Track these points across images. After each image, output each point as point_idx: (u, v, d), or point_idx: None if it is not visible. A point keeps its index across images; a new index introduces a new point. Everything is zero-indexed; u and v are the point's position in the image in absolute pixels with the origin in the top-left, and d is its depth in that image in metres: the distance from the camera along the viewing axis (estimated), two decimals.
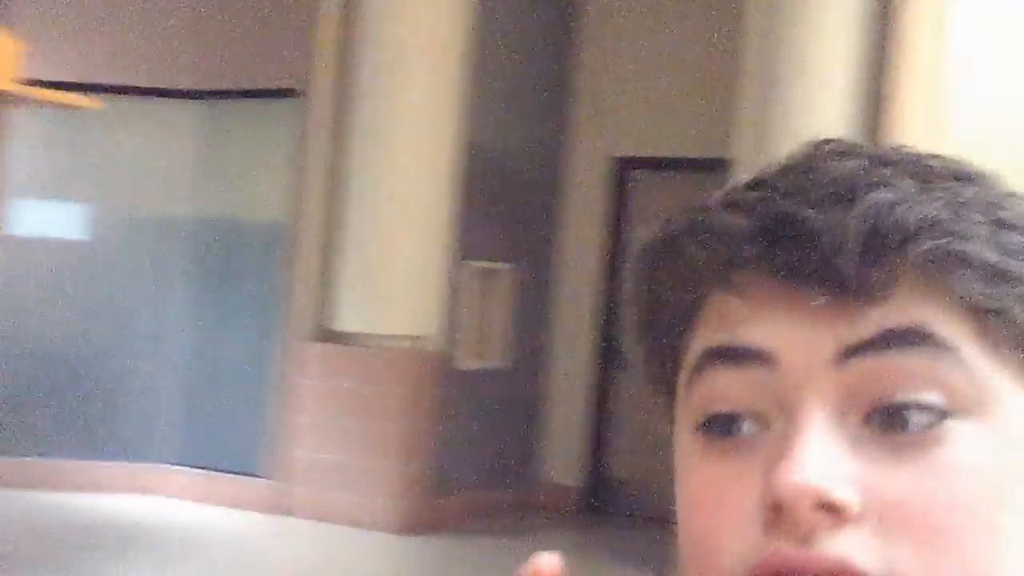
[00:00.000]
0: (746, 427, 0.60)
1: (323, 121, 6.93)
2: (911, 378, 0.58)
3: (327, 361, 6.82)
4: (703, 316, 0.63)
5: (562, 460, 7.89)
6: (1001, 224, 0.60)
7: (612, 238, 7.82)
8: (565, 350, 7.88)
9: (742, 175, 0.64)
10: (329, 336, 6.82)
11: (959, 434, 0.57)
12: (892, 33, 5.27)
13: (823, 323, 0.59)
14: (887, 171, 0.61)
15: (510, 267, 7.57)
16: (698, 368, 0.62)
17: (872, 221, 0.58)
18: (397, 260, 6.58)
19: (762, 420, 0.60)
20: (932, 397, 0.58)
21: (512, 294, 7.60)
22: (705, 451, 0.61)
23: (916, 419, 0.57)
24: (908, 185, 0.60)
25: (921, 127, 5.30)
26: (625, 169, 7.79)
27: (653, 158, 7.63)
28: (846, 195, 0.59)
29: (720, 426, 0.61)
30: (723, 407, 0.61)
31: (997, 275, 0.59)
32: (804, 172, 0.62)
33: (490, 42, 7.06)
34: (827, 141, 0.64)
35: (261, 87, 7.12)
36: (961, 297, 0.59)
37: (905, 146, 0.64)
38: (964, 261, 0.59)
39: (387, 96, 6.53)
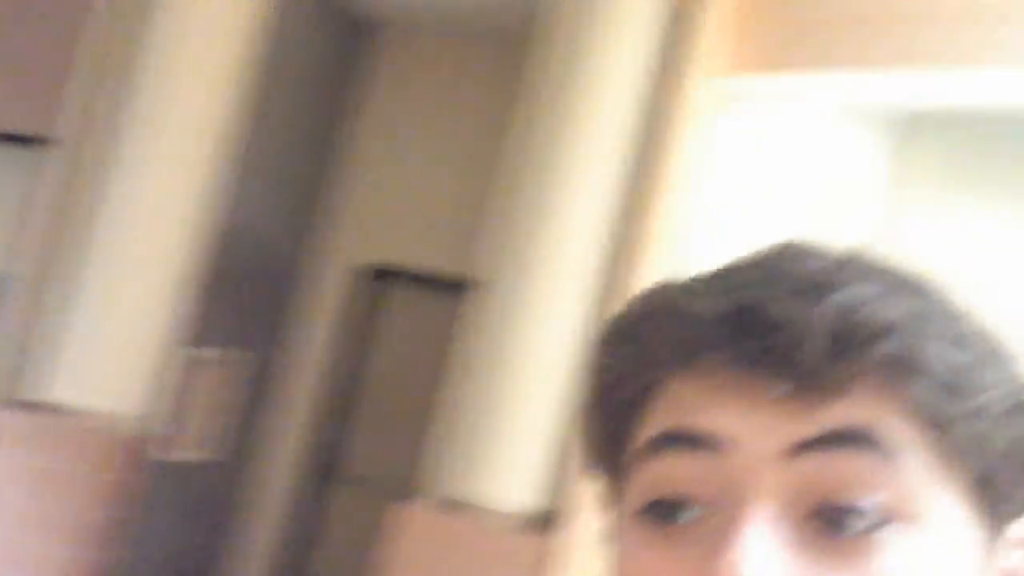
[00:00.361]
0: (690, 513, 0.60)
1: (59, 173, 6.54)
2: (855, 480, 0.58)
3: (12, 430, 6.29)
4: (659, 399, 0.63)
5: (255, 572, 7.43)
6: (956, 339, 0.61)
7: (349, 345, 7.54)
8: (275, 453, 7.49)
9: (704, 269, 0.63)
10: (22, 403, 6.31)
11: (895, 542, 0.58)
12: (641, 184, 5.28)
13: (778, 415, 0.59)
14: (852, 274, 0.62)
15: (244, 356, 7.20)
16: (649, 451, 0.62)
17: (838, 319, 0.59)
18: (111, 332, 6.16)
19: (707, 507, 0.60)
20: (873, 502, 0.58)
21: (242, 385, 7.21)
22: (647, 535, 0.61)
23: (856, 523, 0.58)
24: (874, 289, 0.61)
25: (667, 272, 5.28)
26: (376, 278, 7.60)
27: (406, 270, 7.47)
28: (813, 291, 0.60)
29: (665, 511, 0.61)
30: (670, 492, 0.61)
31: (949, 388, 0.59)
32: (772, 267, 0.63)
33: (262, 124, 6.84)
34: (792, 242, 0.66)
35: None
36: (913, 405, 0.59)
37: (866, 253, 0.65)
38: (920, 369, 0.59)
39: (132, 161, 6.19)
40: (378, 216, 7.53)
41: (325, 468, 7.47)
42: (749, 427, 0.59)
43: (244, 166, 6.65)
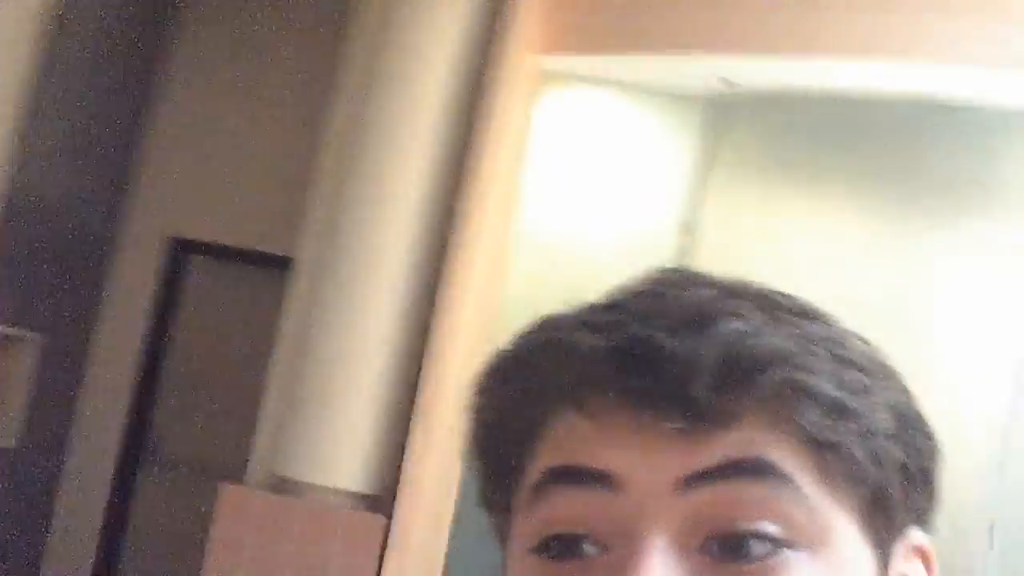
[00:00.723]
0: (586, 549, 0.60)
1: None
2: (750, 508, 0.59)
3: None
4: (548, 435, 0.63)
5: (68, 561, 7.22)
6: (842, 361, 0.62)
7: (158, 321, 7.36)
8: (89, 437, 7.28)
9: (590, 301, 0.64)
10: None
11: (794, 565, 0.58)
12: (469, 160, 5.33)
13: (669, 449, 0.60)
14: (737, 302, 0.62)
15: (36, 335, 6.91)
16: (540, 487, 0.62)
17: (725, 349, 0.59)
18: None
19: (602, 543, 0.60)
20: (770, 527, 0.59)
21: (33, 366, 6.93)
22: (540, 563, 0.61)
23: (754, 548, 0.58)
24: (758, 317, 0.61)
25: (487, 249, 5.39)
26: (183, 251, 7.40)
27: (214, 244, 7.29)
28: (699, 323, 0.60)
29: (559, 548, 0.60)
30: (563, 529, 0.60)
31: (837, 410, 0.60)
32: (657, 298, 0.63)
33: (59, 84, 6.53)
34: (675, 270, 0.66)
35: None
36: (803, 429, 0.60)
37: (751, 281, 0.66)
38: (808, 394, 0.60)
39: None
40: (187, 187, 7.32)
41: (142, 451, 7.31)
42: (641, 464, 0.60)
43: (34, 129, 6.33)
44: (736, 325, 0.60)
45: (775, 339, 0.61)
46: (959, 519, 4.41)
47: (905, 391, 0.66)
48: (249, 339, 6.96)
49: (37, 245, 6.78)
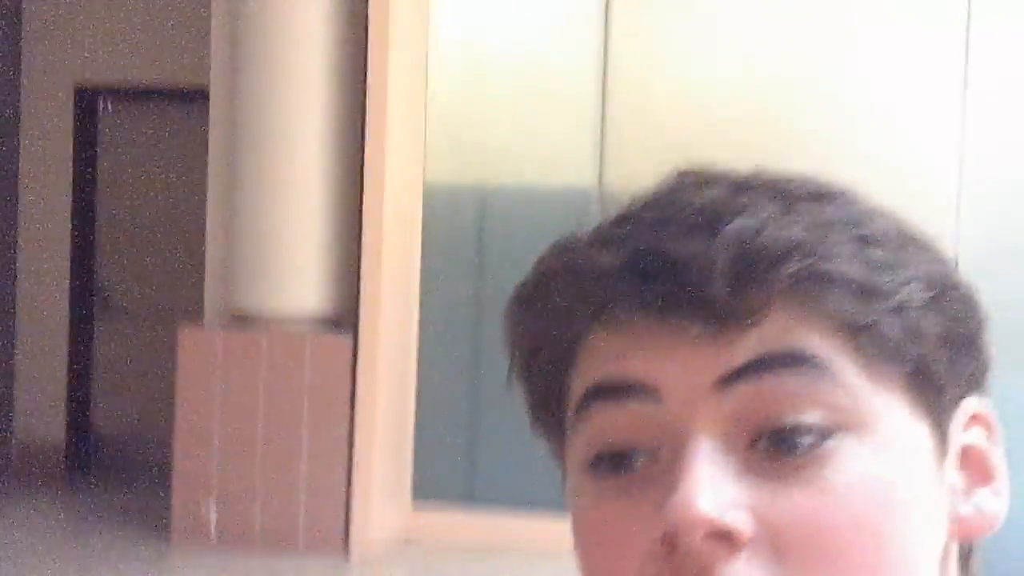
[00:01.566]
0: (636, 462, 0.60)
1: None
2: (791, 400, 0.59)
3: None
4: (582, 355, 0.63)
5: (39, 416, 7.26)
6: (865, 240, 0.61)
7: (80, 173, 7.22)
8: (36, 298, 7.23)
9: (608, 211, 0.63)
10: None
11: (843, 451, 0.59)
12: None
13: (701, 352, 0.60)
14: (748, 197, 0.61)
15: None
16: (582, 407, 0.63)
17: (738, 248, 0.59)
18: None
19: (651, 453, 0.60)
20: (813, 417, 0.59)
21: None
22: (597, 490, 0.62)
23: (800, 440, 0.58)
24: (771, 209, 0.61)
25: (406, 54, 5.29)
26: (92, 98, 7.20)
27: (122, 87, 7.09)
28: (710, 224, 0.60)
29: (610, 463, 0.61)
30: (611, 444, 0.61)
31: (865, 291, 0.60)
32: (668, 204, 0.63)
33: None
34: (688, 172, 0.65)
35: None
36: (832, 315, 0.60)
37: (765, 171, 0.65)
38: (831, 280, 0.60)
39: None
40: (80, 30, 7.06)
41: (93, 302, 7.27)
42: (674, 370, 0.60)
43: None
44: (747, 221, 0.60)
45: (789, 230, 0.60)
46: None
47: (939, 260, 0.65)
48: (176, 176, 6.86)
49: None
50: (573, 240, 0.64)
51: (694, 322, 0.59)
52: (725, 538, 0.57)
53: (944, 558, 0.64)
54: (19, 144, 7.19)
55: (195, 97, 6.08)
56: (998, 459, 0.67)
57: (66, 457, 7.23)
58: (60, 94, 7.13)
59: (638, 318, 0.61)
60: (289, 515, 5.23)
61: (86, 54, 7.07)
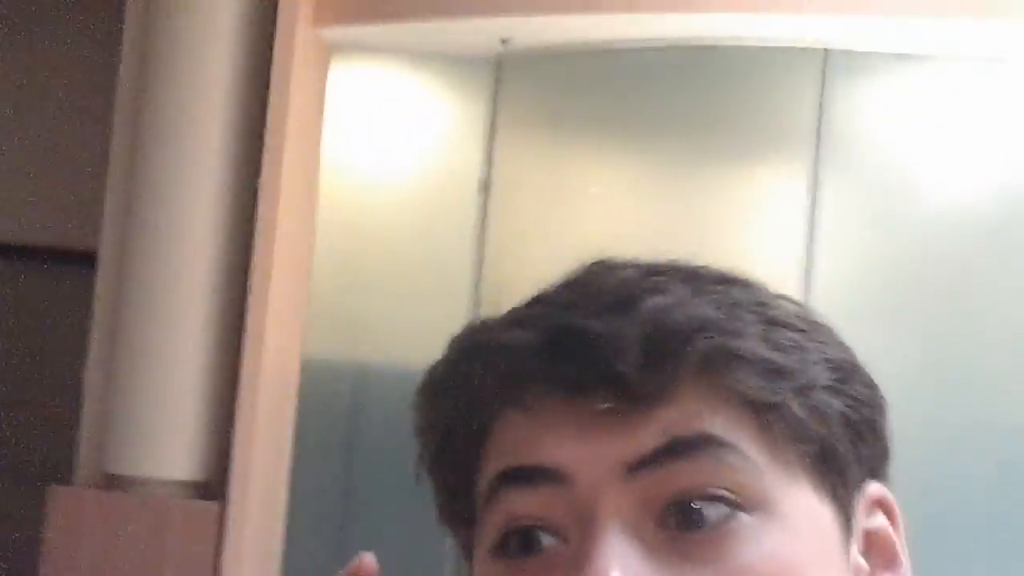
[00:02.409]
0: (544, 541, 0.60)
1: None
2: (700, 479, 0.59)
3: None
4: (493, 441, 0.63)
5: None
6: (772, 322, 0.63)
7: None
8: None
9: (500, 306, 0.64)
10: None
11: (748, 530, 0.59)
12: (265, 140, 5.37)
13: (609, 435, 0.60)
14: (660, 279, 0.63)
15: None
16: (491, 492, 0.62)
17: (651, 325, 0.60)
18: None
19: (560, 535, 0.60)
20: (720, 495, 0.59)
21: None
22: (503, 563, 0.61)
23: (710, 513, 0.59)
24: (681, 290, 0.62)
25: (293, 227, 5.46)
26: None
27: (6, 244, 7.16)
28: (624, 303, 0.61)
29: (518, 544, 0.61)
30: (519, 524, 0.61)
31: (771, 370, 0.61)
32: (581, 285, 0.65)
33: None
34: (599, 260, 0.67)
35: None
36: (740, 394, 0.60)
37: (675, 259, 0.68)
38: (739, 358, 0.60)
39: None
40: None
41: None
42: (583, 453, 0.60)
43: None
44: (659, 300, 0.61)
45: (699, 308, 0.61)
46: None
47: (840, 345, 0.66)
48: (58, 336, 6.90)
49: None
50: (484, 322, 0.65)
51: (600, 400, 0.60)
52: None
53: None
54: None
55: (81, 259, 6.18)
56: (900, 544, 0.67)
57: None
58: None
59: (548, 399, 0.61)
60: None
61: None
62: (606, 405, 0.60)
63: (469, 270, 5.54)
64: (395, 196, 5.73)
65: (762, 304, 0.64)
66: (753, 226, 5.20)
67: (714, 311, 0.62)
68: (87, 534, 5.28)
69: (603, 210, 5.44)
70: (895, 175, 5.10)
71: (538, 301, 0.65)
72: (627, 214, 5.40)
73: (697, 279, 0.65)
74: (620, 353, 0.60)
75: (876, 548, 0.66)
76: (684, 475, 0.60)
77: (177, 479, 5.34)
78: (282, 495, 5.44)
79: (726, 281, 0.66)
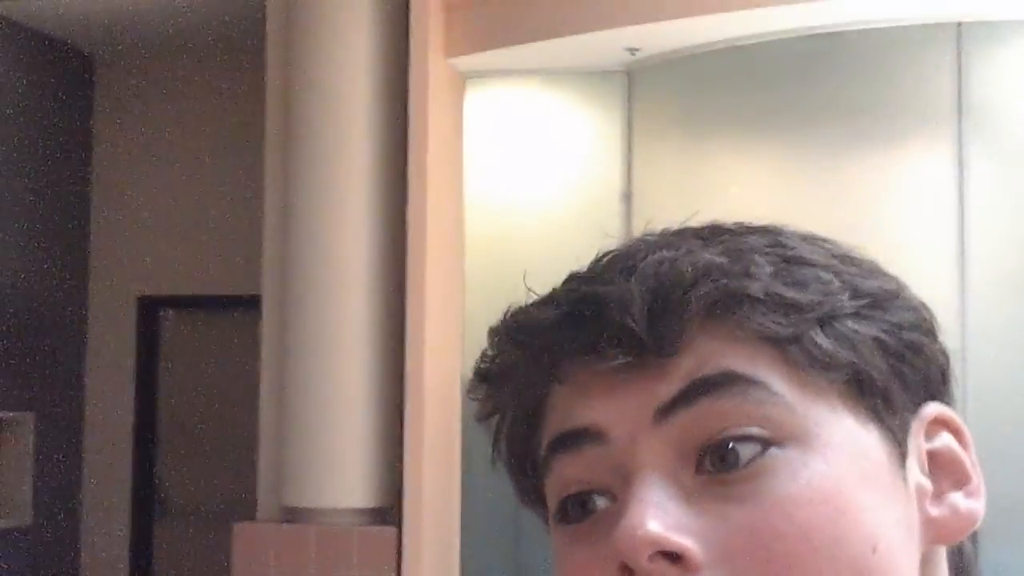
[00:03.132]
0: (598, 503, 0.62)
1: None
2: (728, 418, 0.60)
3: None
4: (546, 418, 0.66)
5: None
6: (788, 260, 0.64)
7: (143, 379, 7.57)
8: (99, 501, 7.49)
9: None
10: None
11: (785, 463, 0.59)
12: (409, 172, 5.51)
13: (637, 389, 0.61)
14: (673, 238, 0.65)
15: (29, 415, 7.11)
16: (545, 463, 0.65)
17: (652, 280, 0.62)
18: None
19: (608, 493, 0.62)
20: (751, 431, 0.60)
21: (32, 444, 7.13)
22: (568, 539, 0.63)
23: (743, 451, 0.59)
24: (691, 244, 0.64)
25: (442, 253, 5.56)
26: (151, 308, 7.60)
27: (179, 296, 7.49)
28: (631, 264, 0.63)
29: (574, 509, 0.63)
30: (570, 491, 0.63)
31: (785, 305, 0.61)
32: (604, 259, 0.67)
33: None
34: (640, 235, 0.68)
35: None
36: (756, 332, 0.61)
37: (711, 222, 0.69)
38: (747, 298, 0.61)
39: None
40: (142, 246, 7.50)
41: (152, 506, 7.51)
42: (615, 410, 0.61)
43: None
44: (663, 254, 0.62)
45: (704, 256, 0.62)
46: None
47: (873, 274, 0.66)
48: (232, 380, 7.16)
49: (16, 329, 6.99)
50: (521, 306, 0.68)
51: (619, 358, 0.61)
52: (675, 560, 0.58)
53: (927, 562, 0.63)
54: (85, 351, 7.57)
55: (248, 304, 6.41)
56: (970, 461, 0.66)
57: None
58: (124, 303, 7.54)
59: (579, 366, 0.63)
60: None
61: (145, 268, 7.50)
62: (621, 362, 0.61)
63: None
64: (539, 212, 5.81)
65: (779, 246, 0.65)
66: (903, 210, 5.12)
67: (719, 256, 0.63)
68: (272, 566, 5.46)
69: (745, 209, 5.37)
70: None
71: (567, 280, 0.67)
72: (769, 211, 5.34)
73: (713, 233, 0.66)
74: (626, 310, 0.61)
75: (942, 467, 0.65)
76: (712, 415, 0.60)
77: (353, 507, 5.48)
78: (455, 512, 5.54)
79: (744, 230, 0.67)
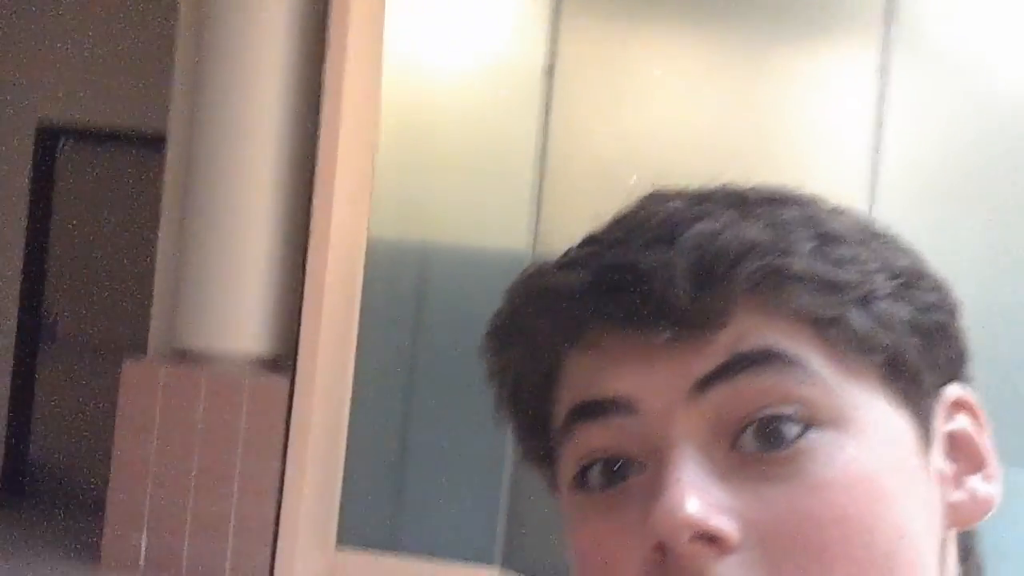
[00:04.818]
0: (621, 471, 0.61)
1: None
2: (768, 396, 0.59)
3: None
4: (562, 379, 0.64)
5: None
6: (824, 237, 0.62)
7: (38, 208, 7.38)
8: None
9: None
10: None
11: (824, 445, 0.59)
12: (329, 26, 5.38)
13: (673, 361, 0.60)
14: (706, 206, 0.63)
15: None
16: (565, 429, 0.63)
17: (696, 253, 0.60)
18: None
19: (636, 463, 0.61)
20: (791, 410, 0.59)
21: None
22: (587, 507, 0.62)
23: (780, 430, 0.58)
24: (729, 215, 0.62)
25: (354, 114, 5.48)
26: (51, 138, 7.38)
27: (82, 128, 7.27)
28: (670, 234, 0.61)
29: (598, 471, 0.62)
30: (595, 456, 0.62)
31: (827, 285, 0.60)
32: (630, 221, 0.64)
33: None
34: (652, 192, 0.66)
35: None
36: (797, 311, 0.60)
37: (722, 183, 0.66)
38: (791, 277, 0.60)
39: None
40: (48, 72, 7.25)
41: (39, 335, 7.39)
42: (649, 381, 0.60)
43: None
44: (705, 226, 0.61)
45: (746, 231, 0.61)
46: None
47: (904, 252, 0.66)
48: (131, 217, 7.03)
49: None
50: (540, 266, 0.66)
51: (661, 331, 0.60)
52: (712, 541, 0.57)
53: (942, 547, 0.63)
54: None
55: (153, 141, 6.27)
56: (987, 444, 0.66)
57: (1, 484, 7.32)
58: (22, 131, 7.30)
59: (609, 335, 0.61)
60: (217, 550, 5.36)
61: (49, 92, 7.26)
62: (664, 335, 0.60)
63: (532, 153, 5.55)
64: (461, 81, 5.74)
65: (815, 220, 0.63)
66: (820, 109, 5.16)
67: (761, 231, 0.61)
68: (158, 406, 5.42)
69: (667, 92, 5.42)
70: (968, 56, 5.03)
71: (590, 241, 0.65)
72: (691, 96, 5.38)
73: (745, 202, 0.64)
74: (670, 283, 0.60)
75: (961, 450, 0.65)
76: (751, 391, 0.59)
77: (246, 353, 5.46)
78: (348, 370, 5.54)
79: (776, 201, 0.64)
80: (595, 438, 0.62)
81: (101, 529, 5.52)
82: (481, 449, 5.41)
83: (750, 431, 0.59)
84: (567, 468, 0.64)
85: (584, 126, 5.49)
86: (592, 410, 0.62)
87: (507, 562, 5.32)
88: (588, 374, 0.63)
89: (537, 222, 5.51)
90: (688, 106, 5.38)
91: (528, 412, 0.67)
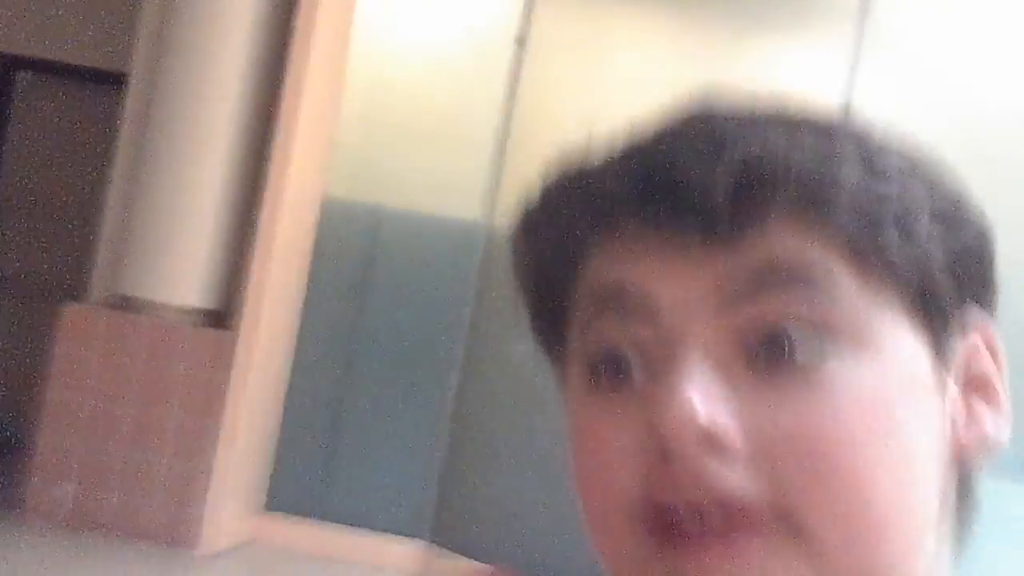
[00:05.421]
0: (633, 369, 0.61)
1: None
2: (790, 313, 0.59)
3: None
4: (585, 270, 0.64)
5: None
6: (870, 170, 0.61)
7: None
8: None
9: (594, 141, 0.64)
10: None
11: (841, 366, 0.58)
12: None
13: (700, 267, 0.60)
14: (759, 125, 0.62)
15: None
16: (582, 319, 0.64)
17: (740, 167, 0.59)
18: None
19: (648, 365, 0.61)
20: (811, 329, 0.59)
21: None
22: (594, 400, 0.62)
23: (798, 352, 0.58)
24: (777, 135, 0.61)
25: (320, 72, 5.39)
26: (8, 68, 7.22)
27: (39, 59, 7.12)
28: (716, 151, 0.60)
29: (608, 368, 0.61)
30: (607, 352, 0.62)
31: (867, 217, 0.60)
32: (677, 129, 0.63)
33: None
34: (702, 101, 0.65)
35: None
36: (835, 237, 0.60)
37: (774, 103, 0.65)
38: (836, 204, 0.60)
39: None
40: (9, 2, 7.09)
41: None
42: (672, 284, 0.60)
43: None
44: (754, 145, 0.60)
45: (795, 154, 0.60)
46: None
47: (947, 187, 0.65)
48: (84, 157, 6.89)
49: None
50: (578, 160, 0.65)
51: (693, 234, 0.60)
52: (717, 445, 0.57)
53: (945, 480, 0.64)
54: None
55: (113, 80, 6.13)
56: (1001, 383, 0.66)
57: None
58: None
59: (639, 233, 0.61)
60: (145, 504, 5.26)
61: (8, 23, 7.10)
62: (696, 237, 0.60)
63: (496, 122, 5.47)
64: (430, 46, 5.64)
65: (861, 152, 0.62)
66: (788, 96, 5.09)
67: (809, 160, 0.60)
68: (95, 352, 5.30)
69: (637, 76, 5.34)
70: (941, 55, 4.98)
71: (634, 143, 0.64)
72: (661, 82, 5.30)
73: (793, 123, 0.63)
74: (711, 191, 0.59)
75: (976, 388, 0.65)
76: (774, 306, 0.59)
77: (190, 306, 5.35)
78: (292, 328, 5.45)
79: (827, 129, 0.64)
80: (610, 331, 0.62)
81: (26, 478, 5.39)
82: (417, 422, 5.34)
83: (766, 344, 0.59)
84: (578, 359, 0.64)
85: (551, 102, 5.41)
86: (611, 303, 0.62)
87: (435, 537, 5.25)
88: (612, 268, 0.62)
89: (495, 194, 5.43)
90: (657, 92, 5.26)
91: (547, 300, 0.67)
